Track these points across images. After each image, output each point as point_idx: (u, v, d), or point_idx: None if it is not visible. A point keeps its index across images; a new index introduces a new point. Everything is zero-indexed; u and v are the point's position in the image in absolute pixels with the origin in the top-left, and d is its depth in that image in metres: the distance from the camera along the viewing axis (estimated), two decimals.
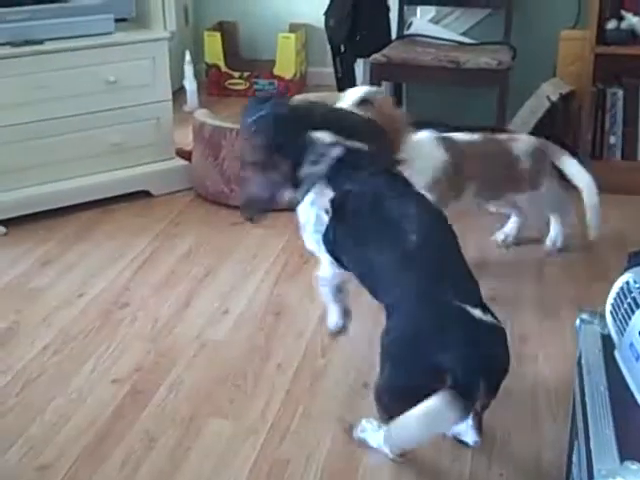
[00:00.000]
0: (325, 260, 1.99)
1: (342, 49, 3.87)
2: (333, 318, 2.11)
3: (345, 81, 3.95)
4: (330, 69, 4.13)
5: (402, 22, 3.69)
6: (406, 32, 3.68)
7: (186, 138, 3.51)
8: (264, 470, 1.76)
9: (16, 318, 2.38)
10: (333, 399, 2.00)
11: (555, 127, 3.40)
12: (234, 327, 2.31)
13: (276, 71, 4.70)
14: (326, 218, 1.89)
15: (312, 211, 1.94)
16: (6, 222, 2.94)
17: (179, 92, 4.22)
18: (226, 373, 2.10)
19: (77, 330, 2.31)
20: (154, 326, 2.33)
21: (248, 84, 4.75)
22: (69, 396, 2.02)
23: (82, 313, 2.41)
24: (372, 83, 3.28)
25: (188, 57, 4.40)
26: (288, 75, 4.69)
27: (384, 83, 3.45)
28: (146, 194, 3.23)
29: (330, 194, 1.89)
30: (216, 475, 1.75)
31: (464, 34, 3.67)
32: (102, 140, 3.13)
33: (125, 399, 2.01)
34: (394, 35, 3.70)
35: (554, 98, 3.38)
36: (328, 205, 1.88)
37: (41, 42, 2.94)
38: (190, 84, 4.39)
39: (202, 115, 3.29)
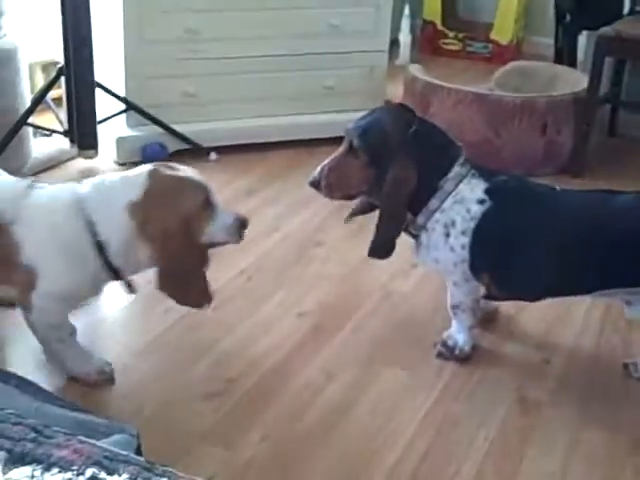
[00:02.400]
0: (458, 276, 1.90)
1: (567, 18, 3.72)
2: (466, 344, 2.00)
3: (564, 53, 3.81)
4: (548, 40, 4.00)
5: None
6: None
7: (394, 91, 3.53)
8: (433, 426, 1.78)
9: None
10: (512, 369, 1.98)
11: None
12: (420, 282, 2.33)
13: (492, 35, 4.61)
14: (478, 210, 1.82)
15: (458, 209, 1.83)
16: (219, 149, 3.10)
17: (392, 45, 4.23)
18: (408, 325, 2.13)
19: (272, 261, 2.42)
20: (343, 268, 2.40)
21: (462, 45, 4.70)
22: (258, 320, 2.12)
23: (277, 245, 2.51)
24: (595, 57, 3.14)
25: (407, 11, 4.40)
26: (504, 40, 4.59)
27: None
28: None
29: (482, 185, 1.84)
30: (387, 421, 1.79)
31: None
32: (316, 82, 3.22)
33: (308, 333, 2.08)
34: (627, 9, 3.51)
35: None
36: (482, 196, 1.83)
37: None
38: (405, 38, 4.40)
39: (415, 70, 3.30)
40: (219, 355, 1.97)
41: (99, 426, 1.26)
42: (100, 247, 1.68)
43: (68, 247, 1.68)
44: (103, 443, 0.97)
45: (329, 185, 1.92)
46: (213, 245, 1.76)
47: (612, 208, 1.81)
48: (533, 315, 2.17)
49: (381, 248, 1.91)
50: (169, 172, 1.70)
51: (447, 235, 1.85)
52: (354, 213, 2.04)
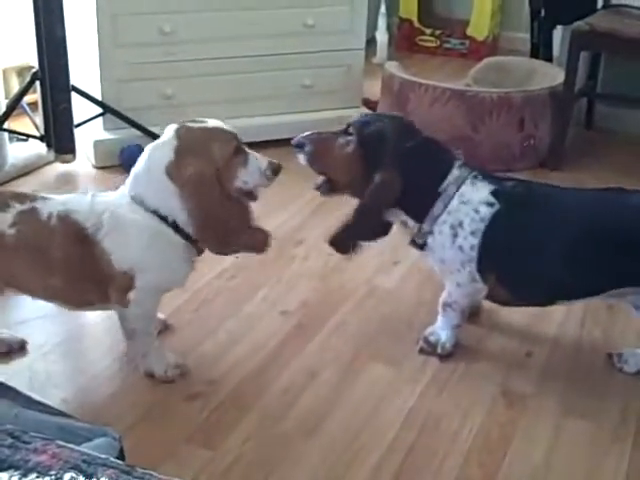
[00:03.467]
0: (463, 277, 1.88)
1: (542, 13, 3.74)
2: (448, 341, 1.99)
3: (540, 48, 3.83)
4: (524, 35, 4.02)
5: None
6: (614, 1, 3.50)
7: (372, 89, 3.53)
8: (418, 420, 1.78)
9: None
10: (495, 363, 1.99)
11: None
12: (403, 278, 2.33)
13: (469, 31, 4.63)
14: (488, 212, 1.82)
15: (465, 210, 1.83)
16: None
17: (369, 43, 4.24)
18: (391, 321, 2.13)
19: (252, 260, 2.39)
20: (325, 266, 2.40)
21: (439, 42, 4.71)
22: (240, 320, 2.12)
23: None
24: (570, 51, 3.15)
25: (383, 9, 4.40)
26: (480, 37, 4.61)
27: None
28: None
29: (487, 187, 1.85)
30: (371, 418, 1.78)
31: None
32: (294, 82, 3.22)
33: (291, 331, 2.08)
34: (600, 3, 3.53)
35: None
36: (490, 198, 1.83)
37: None
38: (382, 36, 4.40)
39: (392, 67, 3.30)
40: (201, 356, 1.96)
41: (81, 430, 1.24)
42: (175, 226, 1.73)
43: (153, 239, 1.73)
44: (85, 447, 0.96)
45: (312, 152, 1.92)
46: (247, 191, 1.80)
47: (623, 206, 1.83)
48: (515, 308, 2.17)
49: (343, 243, 1.93)
50: (196, 125, 1.74)
51: (455, 235, 1.85)
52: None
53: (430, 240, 1.89)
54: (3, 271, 1.73)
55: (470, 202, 1.84)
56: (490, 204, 1.83)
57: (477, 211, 1.83)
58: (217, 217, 1.72)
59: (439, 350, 1.99)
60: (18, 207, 1.70)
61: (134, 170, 1.76)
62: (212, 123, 1.76)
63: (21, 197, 1.75)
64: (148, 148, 1.76)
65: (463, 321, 2.01)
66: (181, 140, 1.71)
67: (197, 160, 1.68)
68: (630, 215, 1.81)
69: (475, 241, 1.84)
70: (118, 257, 1.71)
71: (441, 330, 2.00)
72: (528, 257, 1.85)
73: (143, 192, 1.73)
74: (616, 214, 1.83)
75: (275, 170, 1.80)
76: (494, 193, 1.84)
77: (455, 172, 1.86)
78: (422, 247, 1.92)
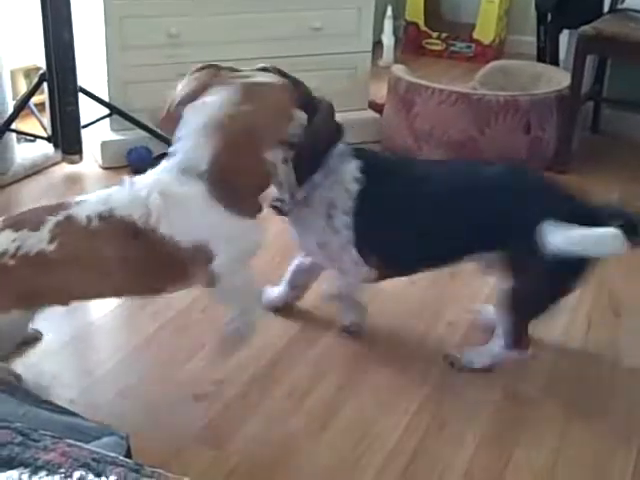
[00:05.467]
0: (346, 262, 1.90)
1: (549, 18, 3.75)
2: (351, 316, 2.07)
3: (546, 51, 3.83)
4: (530, 38, 4.02)
5: None
6: (620, 6, 3.50)
7: (378, 92, 3.54)
8: (421, 426, 1.78)
9: None
10: (500, 367, 1.99)
11: None
12: (407, 282, 2.33)
13: (475, 35, 4.63)
14: (355, 189, 1.83)
15: (338, 189, 1.84)
16: None
17: (375, 46, 4.25)
18: (395, 325, 2.13)
19: (258, 261, 2.38)
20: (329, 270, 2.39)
21: (445, 45, 4.72)
22: None
23: (263, 247, 2.48)
24: (576, 55, 3.16)
25: (389, 12, 4.41)
26: (486, 40, 4.62)
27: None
28: None
29: (355, 163, 1.85)
30: (375, 421, 1.79)
31: None
32: None
33: (296, 334, 2.08)
34: (606, 8, 3.54)
35: None
36: (357, 173, 1.84)
37: None
38: (388, 39, 4.41)
39: (399, 70, 3.31)
40: (208, 356, 1.97)
41: (88, 429, 1.26)
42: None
43: (206, 207, 1.64)
44: (92, 446, 0.97)
45: None
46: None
47: (477, 177, 1.89)
48: None
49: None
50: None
51: (330, 217, 1.86)
52: None
53: (301, 213, 1.89)
54: (60, 285, 1.64)
55: (342, 181, 1.84)
56: (357, 180, 1.84)
57: (347, 190, 1.84)
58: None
59: (353, 329, 2.07)
60: (52, 220, 1.62)
61: (175, 144, 1.72)
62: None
63: (52, 209, 1.66)
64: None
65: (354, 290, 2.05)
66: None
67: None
68: (482, 184, 1.86)
69: (348, 219, 1.84)
70: (182, 233, 1.62)
71: (347, 313, 2.08)
72: (393, 227, 1.87)
73: (186, 158, 1.68)
74: (470, 183, 1.87)
75: None
76: (361, 169, 1.85)
77: (341, 146, 1.85)
78: (285, 213, 1.91)
